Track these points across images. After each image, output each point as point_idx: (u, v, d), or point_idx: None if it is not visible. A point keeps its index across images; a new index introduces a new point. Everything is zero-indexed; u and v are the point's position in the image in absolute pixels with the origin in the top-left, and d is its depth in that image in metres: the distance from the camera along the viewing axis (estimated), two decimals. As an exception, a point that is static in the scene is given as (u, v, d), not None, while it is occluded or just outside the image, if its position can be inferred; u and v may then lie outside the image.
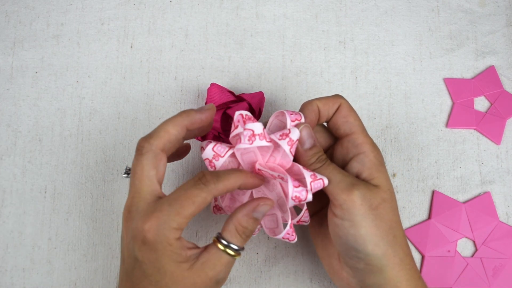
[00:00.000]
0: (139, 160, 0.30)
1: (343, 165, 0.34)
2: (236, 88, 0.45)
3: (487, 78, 0.46)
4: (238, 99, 0.41)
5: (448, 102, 0.46)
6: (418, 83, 0.46)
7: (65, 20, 0.47)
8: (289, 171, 0.32)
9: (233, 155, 0.32)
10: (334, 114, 0.34)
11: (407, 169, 0.44)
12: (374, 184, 0.32)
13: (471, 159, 0.44)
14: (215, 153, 0.31)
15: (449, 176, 0.44)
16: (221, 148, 0.31)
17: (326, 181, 0.31)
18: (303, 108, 0.34)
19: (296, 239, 0.34)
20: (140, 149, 0.31)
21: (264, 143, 0.30)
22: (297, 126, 0.32)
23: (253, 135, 0.30)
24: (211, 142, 0.32)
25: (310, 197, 0.30)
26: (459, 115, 0.45)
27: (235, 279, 0.40)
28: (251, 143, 0.30)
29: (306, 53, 0.46)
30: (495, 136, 0.45)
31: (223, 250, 0.30)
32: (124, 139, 0.44)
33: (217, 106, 0.40)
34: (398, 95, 0.46)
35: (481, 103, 0.46)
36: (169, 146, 0.31)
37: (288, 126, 0.32)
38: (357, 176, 0.33)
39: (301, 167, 0.31)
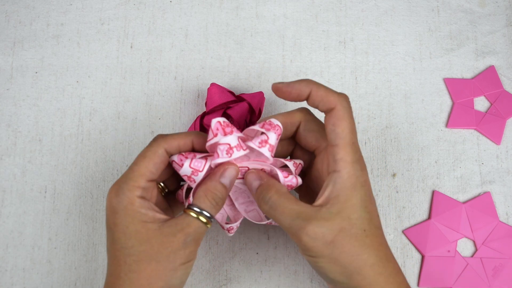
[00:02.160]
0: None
1: (322, 178, 0.33)
2: (236, 88, 0.45)
3: (487, 78, 0.46)
4: (238, 99, 0.41)
5: (448, 102, 0.46)
6: (418, 83, 0.46)
7: (65, 20, 0.47)
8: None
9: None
10: (327, 114, 0.32)
11: (407, 169, 0.44)
12: (334, 211, 0.30)
13: (471, 159, 0.44)
14: (193, 170, 0.31)
15: (449, 176, 0.44)
16: (198, 163, 0.31)
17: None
18: (297, 81, 0.32)
19: (229, 234, 0.35)
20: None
21: (241, 153, 0.31)
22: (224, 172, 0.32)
23: (230, 148, 0.30)
24: (185, 157, 0.31)
25: (300, 181, 0.33)
26: (459, 115, 0.45)
27: (235, 279, 0.41)
28: (230, 156, 0.30)
29: (306, 53, 0.46)
30: (495, 136, 0.45)
31: (195, 218, 0.30)
32: (124, 139, 0.44)
33: (217, 106, 0.40)
34: (398, 95, 0.46)
35: (481, 103, 0.46)
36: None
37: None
38: (327, 199, 0.31)
39: (278, 162, 0.33)
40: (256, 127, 0.32)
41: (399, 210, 0.43)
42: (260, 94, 0.41)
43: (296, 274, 0.41)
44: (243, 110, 0.40)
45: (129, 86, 0.45)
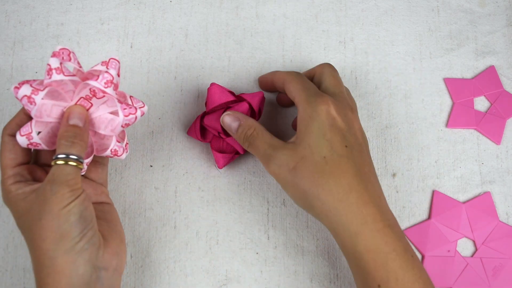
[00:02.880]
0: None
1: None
2: (236, 88, 0.45)
3: (487, 78, 0.46)
4: (238, 99, 0.41)
5: (448, 102, 0.46)
6: (418, 83, 0.46)
7: (65, 20, 0.47)
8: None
9: (53, 96, 0.32)
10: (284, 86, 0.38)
11: (407, 169, 0.44)
12: (296, 142, 0.34)
13: (471, 159, 0.44)
14: (26, 135, 0.32)
15: (449, 176, 0.44)
16: (25, 128, 0.32)
17: (144, 109, 0.35)
18: (268, 73, 0.43)
19: (124, 155, 0.36)
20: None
21: (61, 77, 0.31)
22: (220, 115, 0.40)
23: (50, 69, 0.31)
24: (27, 85, 0.32)
25: (124, 157, 0.36)
26: (459, 115, 0.45)
27: (235, 279, 0.41)
28: (50, 78, 0.31)
29: (306, 53, 0.46)
30: (495, 136, 0.45)
31: (64, 164, 0.31)
32: (124, 139, 0.44)
33: (216, 106, 0.40)
34: (398, 95, 0.46)
35: (481, 103, 0.46)
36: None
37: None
38: (296, 136, 0.35)
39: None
40: (98, 66, 0.33)
41: (399, 210, 0.43)
42: (260, 94, 0.41)
43: (296, 274, 0.41)
44: (243, 110, 0.40)
45: (129, 86, 0.45)
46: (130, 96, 0.36)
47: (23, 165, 0.34)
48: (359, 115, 0.45)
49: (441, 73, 0.46)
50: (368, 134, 0.44)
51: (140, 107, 0.35)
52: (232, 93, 0.42)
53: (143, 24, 0.47)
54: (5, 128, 0.34)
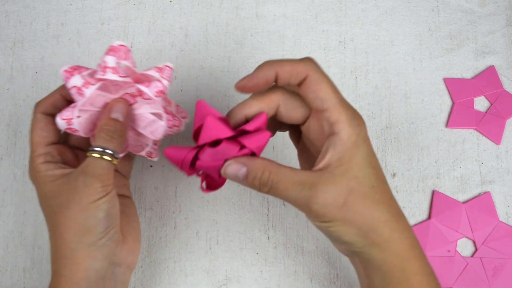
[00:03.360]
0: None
1: (320, 143, 0.31)
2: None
3: (487, 78, 0.46)
4: (237, 134, 0.30)
5: (448, 102, 0.46)
6: (418, 83, 0.46)
7: (65, 20, 0.47)
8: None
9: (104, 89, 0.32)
10: (301, 84, 0.30)
11: (407, 169, 0.44)
12: (339, 173, 0.29)
13: (471, 159, 0.44)
14: (66, 120, 0.32)
15: (449, 176, 0.44)
16: (67, 112, 0.32)
17: (186, 120, 0.34)
18: (258, 69, 0.30)
19: (157, 158, 0.36)
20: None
21: (92, 88, 0.31)
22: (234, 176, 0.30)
23: (79, 88, 0.31)
24: (59, 114, 0.32)
25: (167, 84, 0.32)
26: (459, 115, 0.45)
27: (235, 279, 0.41)
28: (83, 96, 0.31)
29: (306, 53, 0.46)
30: (495, 136, 0.45)
31: (99, 157, 0.31)
32: (124, 139, 0.44)
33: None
34: (398, 95, 0.46)
35: (481, 103, 0.46)
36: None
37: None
38: (329, 162, 0.29)
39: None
40: (151, 71, 0.32)
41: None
42: (266, 136, 0.30)
43: (296, 274, 0.41)
44: (264, 143, 0.31)
45: (129, 86, 0.45)
46: (176, 105, 0.35)
47: (53, 145, 0.34)
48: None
49: (441, 73, 0.46)
50: (368, 134, 0.44)
51: (183, 117, 0.35)
52: (227, 121, 0.31)
53: (143, 24, 0.47)
54: (38, 105, 0.34)
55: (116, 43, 0.31)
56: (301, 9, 0.48)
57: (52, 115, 0.33)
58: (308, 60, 0.30)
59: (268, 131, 0.30)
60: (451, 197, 0.43)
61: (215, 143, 0.30)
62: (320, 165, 0.29)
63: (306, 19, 0.48)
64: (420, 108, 0.45)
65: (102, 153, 0.31)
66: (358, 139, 0.29)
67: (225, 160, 0.30)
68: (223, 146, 0.30)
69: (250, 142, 0.30)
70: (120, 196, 0.36)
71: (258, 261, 0.41)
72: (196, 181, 0.43)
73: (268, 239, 0.42)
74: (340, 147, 0.29)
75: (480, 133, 0.45)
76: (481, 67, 0.47)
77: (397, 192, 0.43)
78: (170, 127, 0.34)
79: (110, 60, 0.31)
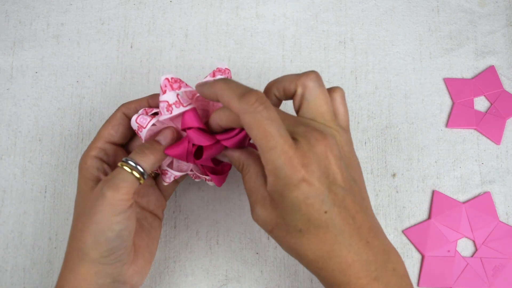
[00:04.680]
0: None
1: None
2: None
3: (487, 78, 0.46)
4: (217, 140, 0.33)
5: (448, 102, 0.46)
6: (418, 83, 0.46)
7: (65, 20, 0.47)
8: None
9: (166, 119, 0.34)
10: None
11: (407, 169, 0.44)
12: (272, 205, 0.30)
13: (471, 159, 0.44)
14: (138, 125, 0.33)
15: (449, 176, 0.44)
16: (143, 120, 0.33)
17: None
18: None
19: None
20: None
21: (181, 109, 0.32)
22: None
23: (169, 105, 0.31)
24: (136, 115, 0.34)
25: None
26: (459, 115, 0.45)
27: (235, 279, 0.41)
28: (170, 113, 0.32)
29: (306, 53, 0.46)
30: (495, 136, 0.45)
31: (129, 172, 0.31)
32: (124, 139, 0.44)
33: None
34: (398, 95, 0.46)
35: (481, 103, 0.46)
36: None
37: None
38: (267, 190, 0.30)
39: None
40: (207, 78, 0.33)
41: (399, 210, 0.43)
42: (241, 135, 0.33)
43: (296, 274, 0.41)
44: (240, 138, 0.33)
45: (129, 86, 0.45)
46: None
47: (113, 145, 0.35)
48: (359, 115, 0.45)
49: (441, 73, 0.46)
50: (368, 134, 0.44)
51: None
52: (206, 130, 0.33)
53: (143, 24, 0.47)
54: (123, 105, 0.35)
55: (163, 78, 0.32)
56: (301, 9, 0.48)
57: (130, 118, 0.35)
58: (244, 98, 0.28)
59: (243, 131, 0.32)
60: (451, 197, 0.43)
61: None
62: (268, 186, 0.30)
63: (306, 19, 0.48)
64: (420, 108, 0.45)
65: (134, 168, 0.31)
66: (284, 190, 0.28)
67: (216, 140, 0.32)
68: (206, 151, 0.33)
69: (228, 142, 0.32)
70: (152, 215, 0.36)
71: (258, 261, 0.41)
72: (195, 181, 0.43)
73: (268, 239, 0.42)
74: (270, 188, 0.29)
75: (480, 133, 0.45)
76: (481, 67, 0.47)
77: (397, 192, 0.43)
78: None
79: (171, 97, 0.31)
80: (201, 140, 0.32)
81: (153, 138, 0.33)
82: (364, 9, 0.48)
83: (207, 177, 0.36)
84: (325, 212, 0.28)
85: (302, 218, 0.28)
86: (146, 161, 0.32)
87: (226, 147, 0.33)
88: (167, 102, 0.31)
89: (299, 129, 0.29)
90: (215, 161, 0.35)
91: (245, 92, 0.28)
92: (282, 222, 0.29)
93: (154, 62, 0.46)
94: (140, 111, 0.34)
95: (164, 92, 0.32)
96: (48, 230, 0.41)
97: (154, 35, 0.47)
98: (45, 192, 0.42)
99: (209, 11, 0.47)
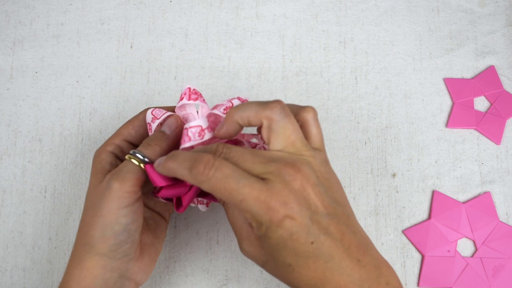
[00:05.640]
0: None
1: None
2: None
3: (487, 78, 0.46)
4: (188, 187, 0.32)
5: (448, 102, 0.46)
6: (418, 83, 0.46)
7: (65, 20, 0.47)
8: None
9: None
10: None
11: (407, 169, 0.44)
12: (258, 243, 0.30)
13: (471, 159, 0.44)
14: (153, 116, 0.33)
15: (449, 176, 0.44)
16: (159, 112, 0.33)
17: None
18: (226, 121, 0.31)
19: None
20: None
21: (212, 134, 0.32)
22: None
23: (202, 130, 0.32)
24: (152, 108, 0.34)
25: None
26: (459, 115, 0.45)
27: (235, 279, 0.41)
28: (202, 138, 0.32)
29: (306, 53, 0.46)
30: (495, 136, 0.45)
31: (136, 164, 0.31)
32: (124, 139, 0.44)
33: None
34: (398, 95, 0.46)
35: (481, 103, 0.46)
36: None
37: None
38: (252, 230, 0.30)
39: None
40: (182, 101, 0.33)
41: (399, 210, 0.43)
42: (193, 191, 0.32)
43: (296, 274, 0.41)
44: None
45: (129, 86, 0.45)
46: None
47: (130, 144, 0.35)
48: (359, 115, 0.45)
49: (441, 73, 0.46)
50: (368, 134, 0.44)
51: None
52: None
53: (143, 24, 0.47)
54: (148, 108, 0.35)
55: (185, 87, 0.33)
56: (301, 9, 0.48)
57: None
58: (271, 107, 0.30)
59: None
60: (451, 197, 0.43)
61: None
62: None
63: (306, 19, 0.48)
64: (420, 108, 0.45)
65: (140, 160, 0.31)
66: (268, 230, 0.28)
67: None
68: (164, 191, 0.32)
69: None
70: (160, 216, 0.37)
71: (258, 261, 0.41)
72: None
73: (268, 239, 0.42)
74: (255, 231, 0.29)
75: (480, 133, 0.45)
76: (481, 67, 0.47)
77: (397, 192, 0.43)
78: None
79: (203, 122, 0.32)
80: (176, 192, 0.31)
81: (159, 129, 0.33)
82: (364, 9, 0.48)
83: (199, 200, 0.36)
84: (312, 243, 0.28)
85: (290, 253, 0.28)
86: (152, 152, 0.32)
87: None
88: (201, 126, 0.31)
89: (270, 168, 0.28)
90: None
91: (192, 162, 0.28)
92: (270, 259, 0.29)
93: (154, 62, 0.46)
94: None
95: (182, 99, 0.32)
96: (48, 230, 0.41)
97: (154, 35, 0.47)
98: (45, 192, 0.42)
99: (209, 11, 0.47)
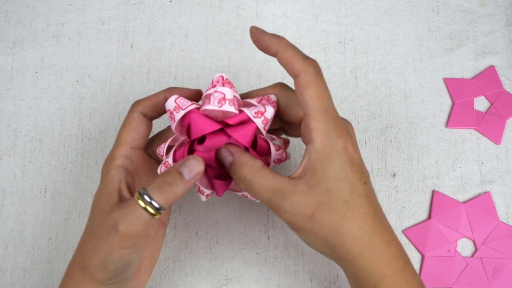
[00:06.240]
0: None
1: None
2: (236, 88, 0.45)
3: (487, 78, 0.46)
4: (224, 126, 0.32)
5: (448, 102, 0.46)
6: (418, 83, 0.46)
7: (65, 20, 0.47)
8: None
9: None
10: (295, 83, 0.30)
11: (407, 169, 0.44)
12: (311, 183, 0.29)
13: (471, 159, 0.44)
14: (176, 105, 0.31)
15: (449, 176, 0.44)
16: (184, 101, 0.31)
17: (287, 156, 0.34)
18: (270, 35, 0.30)
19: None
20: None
21: (232, 109, 0.30)
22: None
23: (224, 99, 0.30)
24: (175, 96, 0.31)
25: (289, 156, 0.34)
26: (459, 115, 0.45)
27: (235, 279, 0.41)
28: (220, 106, 0.30)
29: (306, 53, 0.46)
30: (495, 136, 0.45)
31: (143, 207, 0.28)
32: (124, 139, 0.44)
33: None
34: (398, 95, 0.46)
35: (481, 103, 0.46)
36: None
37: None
38: (304, 171, 0.29)
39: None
40: (254, 101, 0.32)
41: (399, 210, 0.43)
42: (252, 128, 0.31)
43: (296, 274, 0.41)
44: (248, 132, 0.32)
45: (129, 86, 0.45)
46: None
47: (136, 149, 0.33)
48: (359, 115, 0.45)
49: (441, 73, 0.46)
50: (368, 134, 0.44)
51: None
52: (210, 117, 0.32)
53: (143, 24, 0.47)
54: (137, 104, 0.33)
55: (218, 76, 0.31)
56: (301, 9, 0.48)
57: (148, 117, 0.33)
58: (309, 61, 0.30)
59: (253, 123, 0.31)
60: (451, 197, 0.43)
61: (203, 139, 0.31)
62: (296, 173, 0.30)
63: (306, 19, 0.48)
64: (420, 108, 0.45)
65: (148, 204, 0.28)
66: (332, 151, 0.28)
67: (216, 152, 0.32)
68: (209, 139, 0.31)
69: (235, 132, 0.31)
70: (159, 221, 0.36)
71: (258, 261, 0.41)
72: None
73: (268, 239, 0.42)
74: (314, 157, 0.29)
75: (480, 133, 0.45)
76: (481, 67, 0.47)
77: (397, 192, 0.43)
78: (277, 150, 0.33)
79: (228, 92, 0.30)
80: (205, 125, 0.30)
81: (174, 165, 0.30)
82: (364, 9, 0.48)
83: (201, 187, 0.34)
84: (365, 183, 0.29)
85: (348, 186, 0.29)
86: (166, 198, 0.29)
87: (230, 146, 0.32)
88: (224, 94, 0.29)
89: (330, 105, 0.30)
90: (218, 164, 0.33)
91: (307, 56, 0.30)
92: (325, 197, 0.28)
93: (154, 62, 0.46)
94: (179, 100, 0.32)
95: (214, 86, 0.30)
96: (48, 230, 0.41)
97: (154, 35, 0.47)
98: (45, 192, 0.42)
99: (209, 11, 0.47)
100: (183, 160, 0.29)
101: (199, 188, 0.34)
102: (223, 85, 0.30)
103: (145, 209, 0.28)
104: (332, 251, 0.30)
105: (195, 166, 0.29)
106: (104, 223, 0.30)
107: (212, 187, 0.34)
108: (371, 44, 0.47)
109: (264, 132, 0.31)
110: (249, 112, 0.30)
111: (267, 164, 0.33)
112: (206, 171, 0.34)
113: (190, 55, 0.46)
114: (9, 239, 0.41)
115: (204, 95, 0.32)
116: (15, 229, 0.41)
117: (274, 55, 0.30)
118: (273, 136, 0.35)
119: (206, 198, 0.35)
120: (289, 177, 0.30)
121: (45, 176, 0.43)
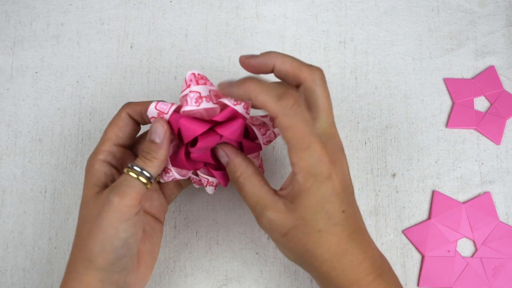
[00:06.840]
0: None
1: None
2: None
3: (487, 78, 0.46)
4: (213, 124, 0.32)
5: (448, 102, 0.46)
6: (418, 83, 0.46)
7: (65, 20, 0.47)
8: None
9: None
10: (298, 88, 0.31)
11: (407, 169, 0.44)
12: (290, 208, 0.30)
13: (471, 159, 0.44)
14: (158, 111, 0.31)
15: (449, 176, 0.44)
16: (164, 106, 0.31)
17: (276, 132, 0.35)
18: (263, 54, 0.31)
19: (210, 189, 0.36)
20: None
21: (211, 105, 0.31)
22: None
23: (200, 97, 0.30)
24: (155, 101, 0.32)
25: (278, 133, 0.34)
26: (459, 115, 0.45)
27: (235, 279, 0.41)
28: (198, 105, 0.30)
29: (306, 53, 0.46)
30: (495, 136, 0.45)
31: (136, 178, 0.30)
32: (124, 139, 0.44)
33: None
34: (398, 95, 0.46)
35: (481, 103, 0.46)
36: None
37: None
38: (287, 193, 0.31)
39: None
40: (184, 91, 0.32)
41: (399, 210, 0.43)
42: (238, 123, 0.32)
43: (296, 274, 0.41)
44: (237, 128, 0.32)
45: (129, 86, 0.45)
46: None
47: (121, 147, 0.34)
48: (359, 115, 0.45)
49: (441, 73, 0.46)
50: (368, 134, 0.44)
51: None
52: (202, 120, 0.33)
53: (143, 24, 0.47)
54: (127, 106, 0.34)
55: (189, 74, 0.31)
56: (301, 9, 0.48)
57: (134, 120, 0.34)
58: (312, 70, 0.31)
59: (241, 118, 0.32)
60: (451, 197, 0.43)
61: (196, 140, 0.32)
62: (282, 189, 0.31)
63: (306, 19, 0.48)
64: (420, 108, 0.45)
65: (140, 174, 0.31)
66: (313, 185, 0.29)
67: (212, 150, 0.33)
68: (202, 140, 0.32)
69: (224, 130, 0.32)
70: (154, 219, 0.36)
71: (258, 261, 0.41)
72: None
73: (268, 239, 0.42)
74: (296, 187, 0.30)
75: (480, 133, 0.45)
76: (481, 67, 0.47)
77: (397, 192, 0.43)
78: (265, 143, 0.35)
79: (203, 89, 0.31)
80: (195, 128, 0.31)
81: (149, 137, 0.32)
82: (364, 9, 0.48)
83: (210, 178, 0.35)
84: (343, 211, 0.30)
85: (324, 217, 0.30)
86: (151, 165, 0.31)
87: (225, 147, 0.33)
88: (199, 93, 0.30)
89: (332, 130, 0.31)
90: (216, 160, 0.35)
91: (282, 93, 0.29)
92: (301, 223, 0.30)
93: (154, 62, 0.46)
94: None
95: (189, 86, 0.31)
96: (48, 230, 0.41)
97: (154, 35, 0.47)
98: (45, 192, 0.42)
99: (209, 11, 0.47)
100: (149, 130, 0.32)
101: (208, 180, 0.35)
102: (197, 83, 0.31)
103: (138, 179, 0.30)
104: (304, 266, 0.32)
105: (159, 128, 0.31)
106: (95, 205, 0.31)
107: (212, 175, 0.35)
108: (371, 44, 0.47)
109: (247, 116, 0.32)
110: (228, 101, 0.31)
111: (260, 148, 0.35)
112: (206, 167, 0.35)
113: (190, 55, 0.46)
114: (9, 239, 0.41)
115: (181, 95, 0.32)
116: (15, 229, 0.41)
117: (271, 70, 0.31)
118: (259, 117, 0.35)
119: (215, 189, 0.36)
120: (276, 191, 0.31)
121: (45, 176, 0.43)
